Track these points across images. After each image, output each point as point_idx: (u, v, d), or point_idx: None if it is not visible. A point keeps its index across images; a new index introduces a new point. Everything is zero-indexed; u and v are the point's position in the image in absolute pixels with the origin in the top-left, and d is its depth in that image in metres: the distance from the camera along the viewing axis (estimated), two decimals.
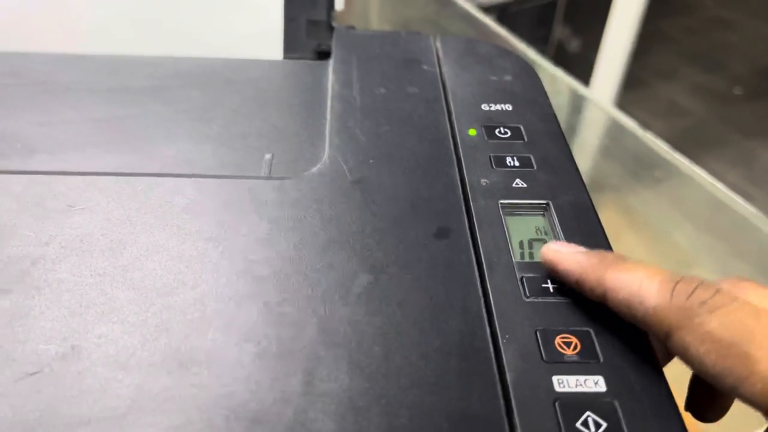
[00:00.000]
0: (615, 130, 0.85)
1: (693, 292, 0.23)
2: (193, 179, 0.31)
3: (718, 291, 0.23)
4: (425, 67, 0.40)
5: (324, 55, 0.46)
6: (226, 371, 0.23)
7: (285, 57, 0.46)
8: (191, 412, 0.22)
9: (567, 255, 0.27)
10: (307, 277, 0.27)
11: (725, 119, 1.78)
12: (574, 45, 1.86)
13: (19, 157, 0.33)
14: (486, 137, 0.35)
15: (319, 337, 0.24)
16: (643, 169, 0.80)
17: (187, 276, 0.26)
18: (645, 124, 0.81)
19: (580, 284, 0.26)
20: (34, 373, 0.23)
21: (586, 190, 0.32)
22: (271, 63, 0.43)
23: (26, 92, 0.37)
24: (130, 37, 0.44)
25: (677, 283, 0.23)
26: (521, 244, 0.29)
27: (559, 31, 1.86)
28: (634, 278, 0.24)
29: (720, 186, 0.73)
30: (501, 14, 1.57)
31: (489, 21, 0.95)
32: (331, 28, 0.47)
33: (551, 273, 0.27)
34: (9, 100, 0.37)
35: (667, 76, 1.92)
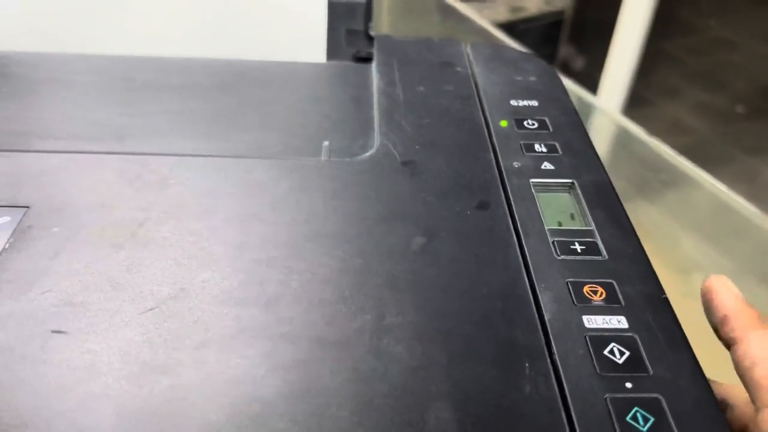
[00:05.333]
0: (622, 137, 0.90)
1: None
2: (265, 160, 0.36)
3: None
4: (458, 69, 0.45)
5: (362, 59, 0.51)
6: (309, 309, 0.28)
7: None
8: (282, 340, 0.26)
9: (728, 290, 0.29)
10: (371, 238, 0.31)
11: (728, 137, 1.82)
12: (578, 63, 1.92)
13: (112, 141, 0.37)
14: (516, 128, 0.39)
15: (386, 283, 0.29)
16: (649, 172, 0.84)
17: (270, 236, 0.31)
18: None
19: (724, 322, 0.28)
20: (153, 308, 0.27)
21: (605, 172, 0.37)
22: (321, 65, 0.48)
23: (109, 88, 0.42)
24: (192, 43, 0.49)
25: None
26: (551, 215, 0.34)
27: (565, 49, 1.91)
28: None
29: (724, 189, 0.78)
30: (508, 32, 1.63)
31: (505, 37, 1.00)
32: (369, 37, 0.52)
33: (703, 298, 0.30)
34: (96, 95, 0.42)
35: (671, 95, 1.97)
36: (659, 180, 0.84)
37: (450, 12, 1.22)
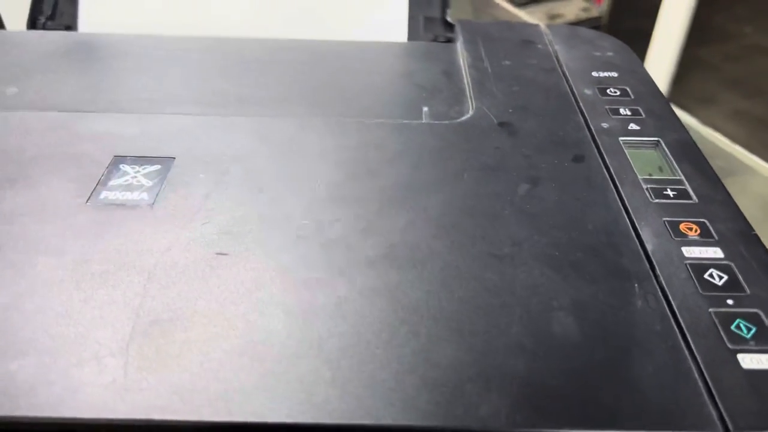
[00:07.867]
0: None
1: None
2: (373, 120, 0.39)
3: None
4: (539, 46, 0.49)
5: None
6: (436, 237, 0.31)
7: None
8: (417, 261, 0.30)
9: None
10: (480, 184, 0.35)
11: (767, 145, 1.82)
12: None
13: (235, 106, 0.41)
14: (600, 95, 0.43)
15: (498, 220, 0.32)
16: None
17: (390, 184, 0.35)
18: None
19: None
20: (301, 237, 0.31)
21: (687, 132, 0.40)
22: (407, 44, 0.52)
23: (222, 64, 0.46)
24: (284, 26, 0.53)
25: None
26: (642, 167, 0.37)
27: None
28: None
29: None
30: None
31: None
32: (447, 24, 0.56)
33: None
34: (212, 69, 0.46)
35: (708, 102, 1.97)
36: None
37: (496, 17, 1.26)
